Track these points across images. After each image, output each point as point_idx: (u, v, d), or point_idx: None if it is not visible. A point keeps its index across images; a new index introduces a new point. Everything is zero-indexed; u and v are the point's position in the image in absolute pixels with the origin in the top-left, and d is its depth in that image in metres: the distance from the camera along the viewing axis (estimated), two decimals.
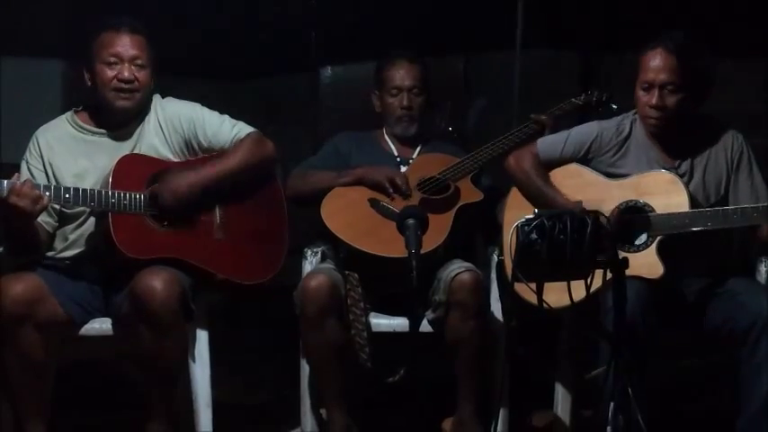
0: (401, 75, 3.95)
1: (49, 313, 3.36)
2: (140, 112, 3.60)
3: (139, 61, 3.53)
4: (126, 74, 3.50)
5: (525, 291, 2.86)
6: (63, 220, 3.53)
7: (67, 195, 3.37)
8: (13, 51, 4.60)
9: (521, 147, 3.81)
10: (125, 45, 3.52)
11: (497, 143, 3.91)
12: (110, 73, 3.51)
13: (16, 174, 3.37)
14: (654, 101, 3.48)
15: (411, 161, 3.96)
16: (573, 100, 4.07)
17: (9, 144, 3.94)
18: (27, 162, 3.55)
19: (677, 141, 3.57)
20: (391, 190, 3.78)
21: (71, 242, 3.52)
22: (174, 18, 4.52)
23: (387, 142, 4.02)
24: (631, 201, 3.51)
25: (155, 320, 3.28)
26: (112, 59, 3.50)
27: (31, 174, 3.51)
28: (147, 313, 3.28)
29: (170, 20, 4.41)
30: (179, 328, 3.36)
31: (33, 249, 3.49)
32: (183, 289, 3.35)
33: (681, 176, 3.52)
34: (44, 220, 3.47)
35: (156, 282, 3.28)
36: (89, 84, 3.55)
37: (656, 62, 3.48)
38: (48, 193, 3.33)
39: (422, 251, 2.97)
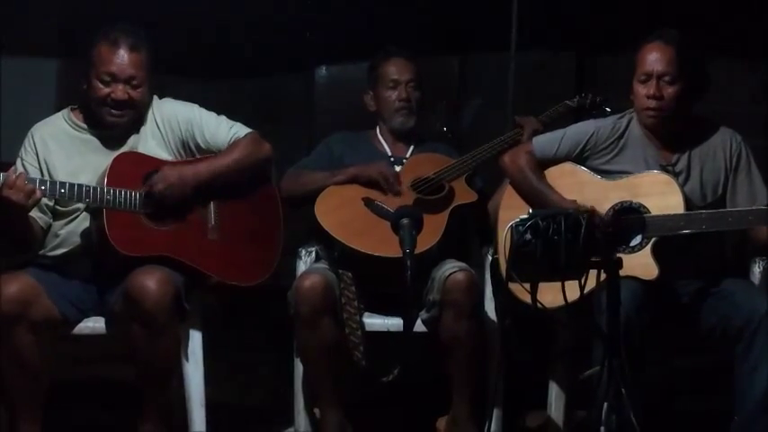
0: (399, 68, 3.98)
1: (43, 313, 3.35)
2: (136, 118, 3.59)
3: (135, 81, 3.50)
4: (119, 94, 3.48)
5: (519, 291, 2.87)
6: (54, 216, 3.52)
7: (63, 190, 3.36)
8: (9, 51, 4.59)
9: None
10: (122, 65, 3.48)
11: (493, 145, 3.92)
12: (104, 90, 3.49)
13: (12, 167, 3.36)
14: (652, 91, 3.50)
15: (405, 160, 3.95)
16: (567, 102, 4.08)
17: (5, 143, 3.93)
18: (22, 158, 3.55)
19: (674, 138, 3.58)
20: (386, 185, 3.78)
21: (62, 239, 3.51)
22: (170, 17, 4.51)
23: (380, 142, 4.02)
24: (626, 201, 3.51)
25: (148, 320, 3.28)
26: (107, 78, 3.48)
27: (26, 170, 3.49)
28: (140, 312, 3.28)
29: (165, 19, 4.40)
30: (172, 327, 3.36)
31: (27, 245, 3.49)
32: (177, 288, 3.35)
33: (678, 174, 3.54)
34: (37, 215, 3.47)
35: (150, 281, 3.28)
36: (84, 87, 3.54)
37: (653, 54, 3.51)
38: (43, 188, 3.32)
39: (416, 251, 2.97)
